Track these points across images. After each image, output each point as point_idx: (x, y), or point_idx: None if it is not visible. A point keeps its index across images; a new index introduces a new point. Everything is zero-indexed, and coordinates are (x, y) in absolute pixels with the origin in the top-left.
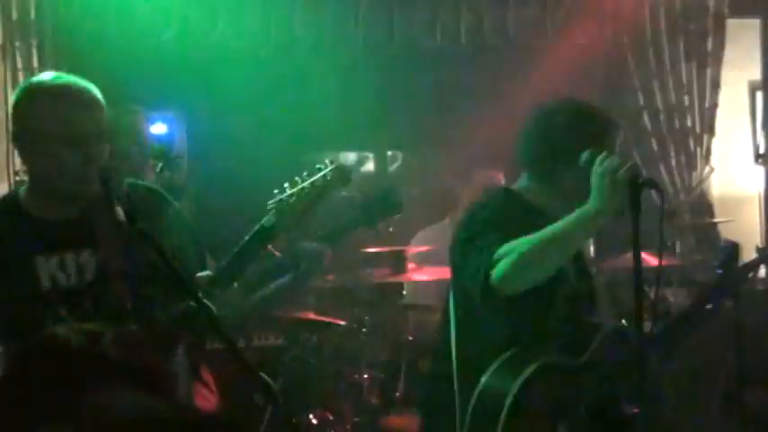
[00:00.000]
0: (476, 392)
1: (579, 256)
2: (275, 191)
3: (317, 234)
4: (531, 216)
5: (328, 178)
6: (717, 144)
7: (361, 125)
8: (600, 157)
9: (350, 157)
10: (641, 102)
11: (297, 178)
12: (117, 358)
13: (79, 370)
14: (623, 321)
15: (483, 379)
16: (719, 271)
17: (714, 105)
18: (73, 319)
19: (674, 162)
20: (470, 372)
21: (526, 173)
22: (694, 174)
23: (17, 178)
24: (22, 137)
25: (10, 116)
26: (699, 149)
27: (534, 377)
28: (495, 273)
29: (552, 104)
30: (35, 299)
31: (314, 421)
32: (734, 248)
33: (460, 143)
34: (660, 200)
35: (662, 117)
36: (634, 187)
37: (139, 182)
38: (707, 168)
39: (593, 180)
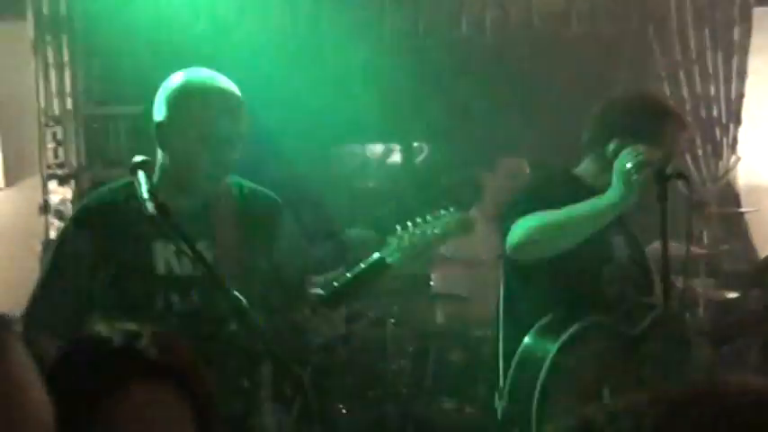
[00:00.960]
0: (518, 353)
1: (634, 241)
2: (397, 226)
3: None
4: (580, 195)
5: (452, 226)
6: (743, 133)
7: (388, 117)
8: (625, 151)
9: (377, 148)
10: (667, 91)
11: (419, 219)
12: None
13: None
14: None
15: (525, 340)
16: None
17: (740, 95)
18: (183, 306)
19: (700, 151)
20: (514, 334)
21: (588, 156)
22: (720, 163)
23: (49, 171)
24: (166, 128)
25: (156, 104)
26: (725, 139)
27: (580, 335)
28: (510, 238)
29: (619, 94)
30: (149, 282)
31: (343, 411)
32: None
33: (485, 132)
34: (688, 191)
35: (688, 106)
36: (662, 179)
37: (259, 187)
38: (733, 158)
39: (615, 172)
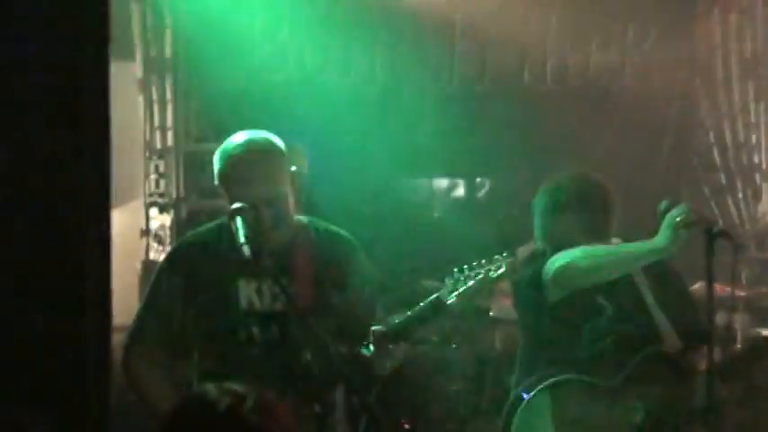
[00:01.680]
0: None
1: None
2: (454, 269)
3: None
4: None
5: (503, 270)
6: None
7: (453, 153)
8: (677, 207)
9: (443, 182)
10: (711, 139)
11: (475, 263)
12: (256, 424)
13: (224, 430)
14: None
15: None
16: None
17: None
18: (263, 338)
19: (740, 195)
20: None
21: None
22: (759, 206)
23: (150, 199)
24: (223, 189)
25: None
26: (765, 183)
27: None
28: (554, 259)
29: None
30: (234, 317)
31: (406, 426)
32: None
33: (541, 172)
34: (733, 246)
35: (730, 153)
36: (710, 237)
37: (332, 226)
38: None
39: (665, 222)
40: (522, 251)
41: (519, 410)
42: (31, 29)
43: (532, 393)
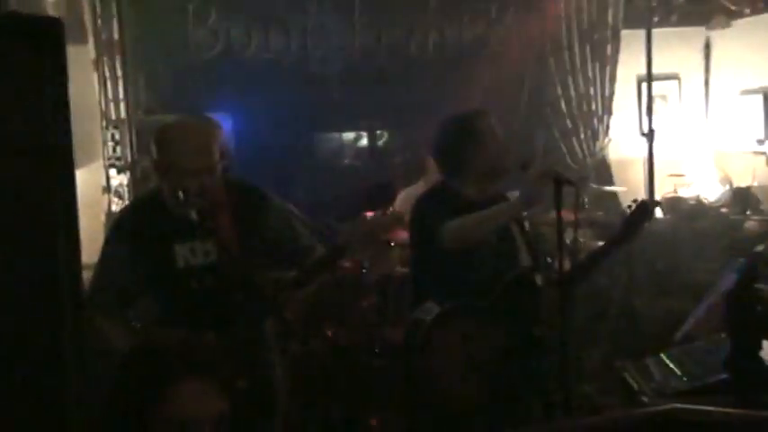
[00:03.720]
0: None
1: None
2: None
3: None
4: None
5: (392, 221)
6: (613, 122)
7: (358, 111)
8: (531, 169)
9: (350, 135)
10: (559, 92)
11: (369, 216)
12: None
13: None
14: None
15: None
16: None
17: (611, 94)
18: (200, 289)
19: (582, 136)
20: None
21: None
22: (597, 143)
23: (109, 162)
24: (156, 165)
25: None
26: (600, 126)
27: (440, 320)
28: (442, 237)
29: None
30: (174, 274)
31: (329, 333)
32: (647, 206)
33: (425, 124)
34: (576, 189)
35: (574, 103)
36: (557, 184)
37: (244, 181)
38: (606, 139)
39: (522, 182)
40: (409, 191)
41: (416, 331)
42: None
43: (428, 316)
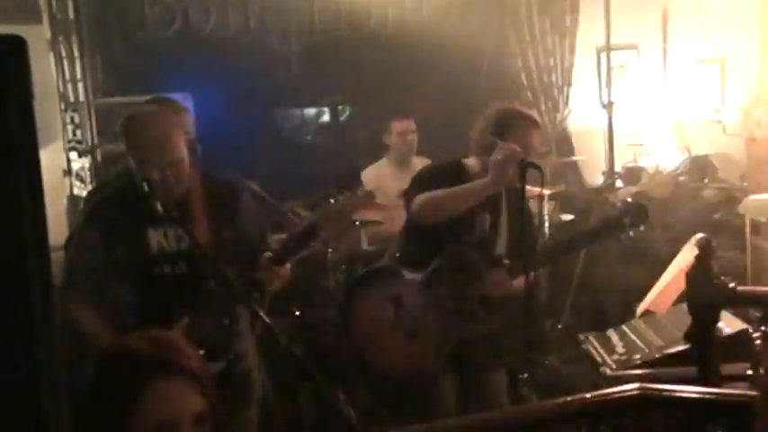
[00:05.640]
0: None
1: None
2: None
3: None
4: (463, 179)
5: (362, 199)
6: (573, 93)
7: (319, 87)
8: (497, 148)
9: (311, 111)
10: (519, 64)
11: (340, 196)
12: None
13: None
14: None
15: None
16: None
17: (571, 65)
18: (173, 275)
19: (543, 107)
20: None
21: (474, 152)
22: (558, 115)
23: (69, 145)
24: (129, 152)
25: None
26: (561, 97)
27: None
28: (412, 209)
29: (492, 108)
30: (148, 260)
31: (297, 313)
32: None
33: (386, 100)
34: (540, 174)
35: (534, 74)
36: (522, 167)
37: (221, 174)
38: (567, 110)
39: (491, 163)
40: (372, 169)
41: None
42: None
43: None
